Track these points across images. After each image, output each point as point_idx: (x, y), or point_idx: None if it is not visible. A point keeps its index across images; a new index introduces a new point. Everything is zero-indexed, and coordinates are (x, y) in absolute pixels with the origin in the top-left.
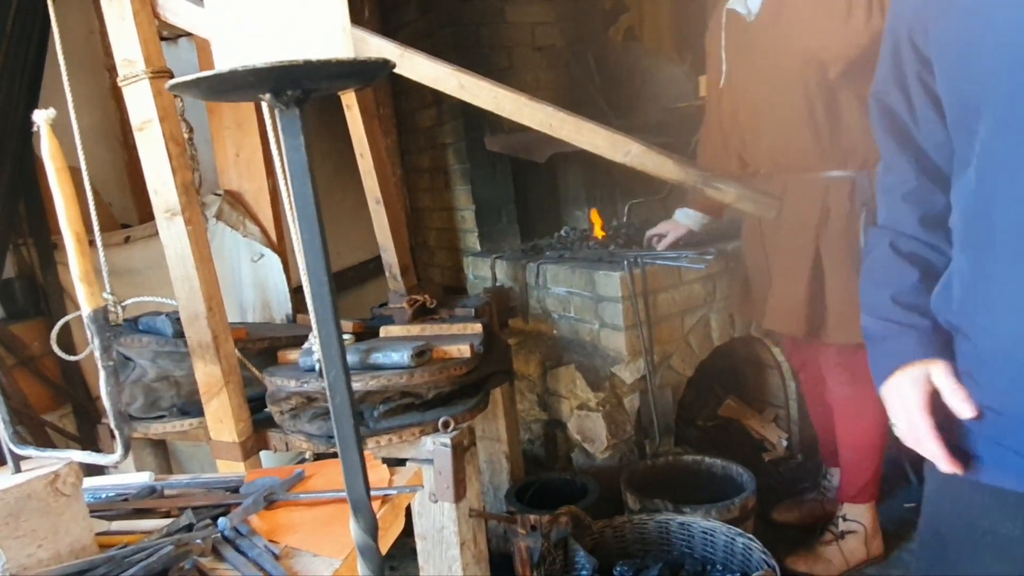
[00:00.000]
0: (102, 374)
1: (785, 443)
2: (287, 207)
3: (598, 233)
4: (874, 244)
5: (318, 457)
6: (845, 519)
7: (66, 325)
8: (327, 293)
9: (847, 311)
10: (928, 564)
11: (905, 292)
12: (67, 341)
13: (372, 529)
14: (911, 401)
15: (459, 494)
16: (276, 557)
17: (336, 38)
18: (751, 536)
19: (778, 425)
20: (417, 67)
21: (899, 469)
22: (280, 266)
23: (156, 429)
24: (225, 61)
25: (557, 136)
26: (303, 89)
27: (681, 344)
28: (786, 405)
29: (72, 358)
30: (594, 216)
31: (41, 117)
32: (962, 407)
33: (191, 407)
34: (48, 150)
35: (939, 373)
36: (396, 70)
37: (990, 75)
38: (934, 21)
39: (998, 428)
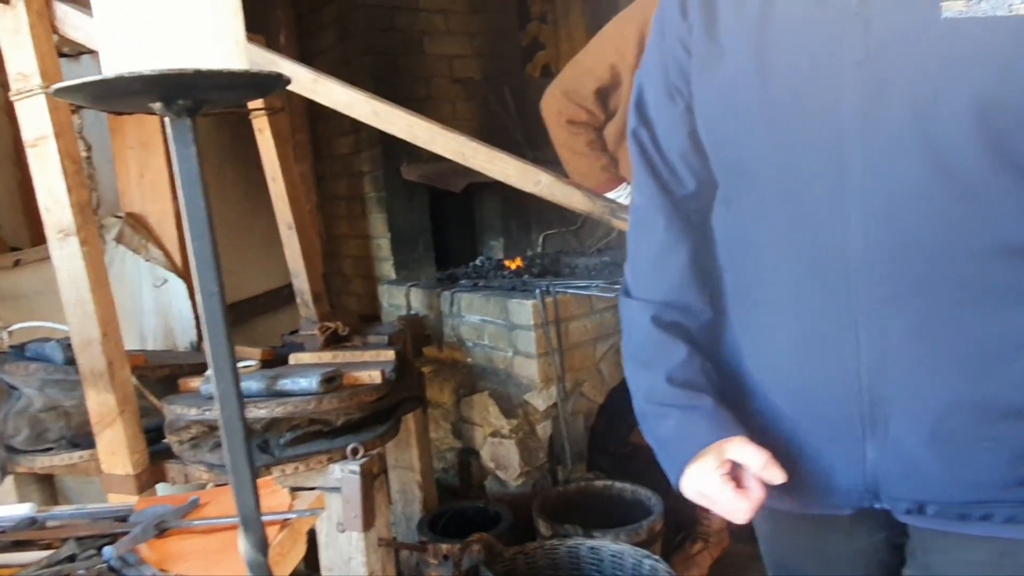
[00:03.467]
0: None
1: None
2: None
3: (512, 265)
4: (633, 320)
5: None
6: (703, 524)
7: None
8: (217, 304)
9: None
10: None
11: (678, 370)
12: None
13: (261, 545)
14: (714, 487)
15: (368, 523)
16: None
17: (230, 49)
18: (658, 558)
19: None
20: (331, 93)
21: None
22: (185, 291)
23: (42, 462)
24: (112, 67)
25: (470, 165)
26: (194, 99)
27: (593, 371)
28: None
29: None
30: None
31: None
32: (773, 474)
33: (81, 439)
34: None
35: (738, 449)
36: (310, 95)
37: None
38: (696, 77)
39: (782, 463)
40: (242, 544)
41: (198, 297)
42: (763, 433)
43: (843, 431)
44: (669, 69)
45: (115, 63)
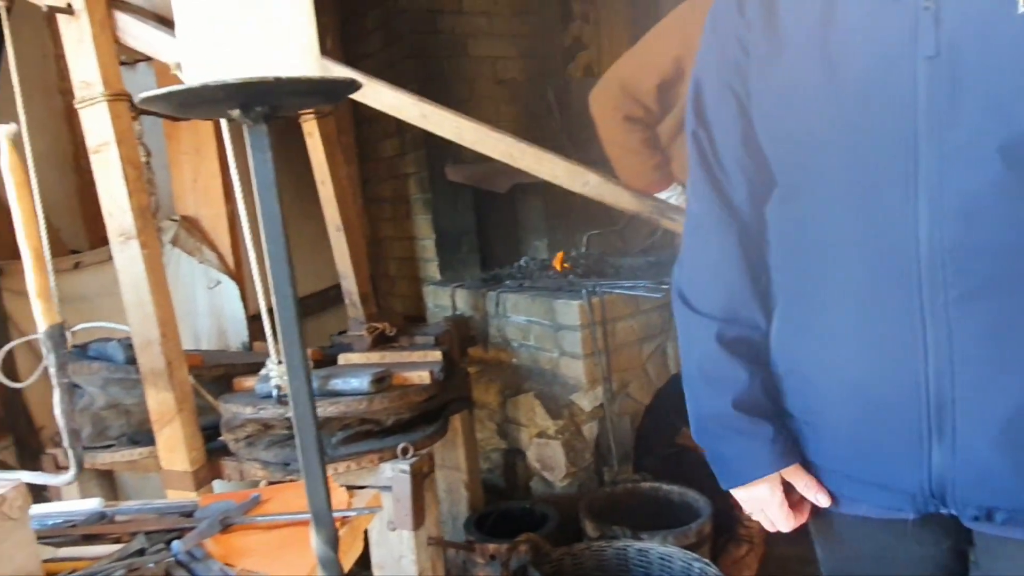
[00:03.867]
0: (57, 392)
1: None
2: (246, 233)
3: (558, 265)
4: (694, 335)
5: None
6: (745, 526)
7: (9, 353)
8: (291, 306)
9: None
10: None
11: (744, 395)
12: (10, 369)
13: (333, 541)
14: (771, 505)
15: (418, 521)
16: None
17: (304, 57)
18: (707, 561)
19: None
20: (380, 96)
21: None
22: (237, 293)
23: (104, 459)
24: (195, 77)
25: (518, 166)
26: (271, 105)
27: (639, 372)
28: None
29: (18, 385)
30: (558, 257)
31: (2, 133)
32: (820, 499)
33: (141, 436)
34: (8, 165)
35: (794, 477)
36: (360, 99)
37: (804, 149)
38: (754, 79)
39: (844, 463)
40: (314, 540)
41: (273, 299)
42: (822, 432)
43: (907, 433)
44: (725, 68)
45: (198, 72)
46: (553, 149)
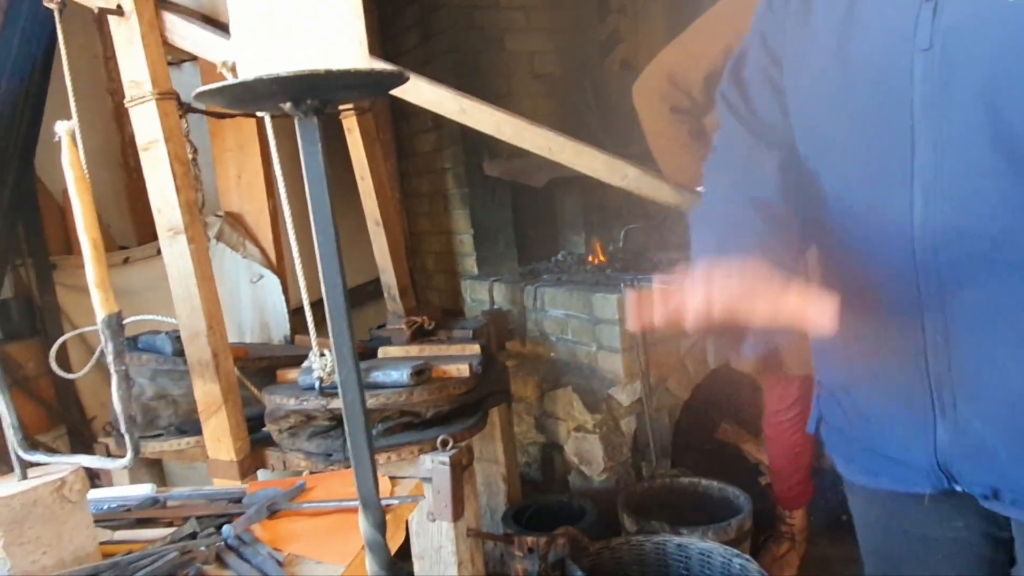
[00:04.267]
0: (114, 379)
1: None
2: (288, 227)
3: (600, 258)
4: (725, 199)
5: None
6: (787, 523)
7: (62, 346)
8: (341, 296)
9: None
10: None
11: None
12: (63, 362)
13: (381, 525)
14: (761, 290)
15: (457, 512)
16: (280, 564)
17: (354, 50)
18: (748, 557)
19: None
20: (420, 92)
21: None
22: (279, 287)
23: (152, 448)
24: (249, 71)
25: (557, 160)
26: (321, 99)
27: (677, 367)
28: None
29: (71, 376)
30: (595, 245)
31: (63, 128)
32: (824, 315)
33: (188, 426)
34: (68, 159)
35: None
36: (400, 94)
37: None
38: (788, 63)
39: (866, 437)
40: (362, 524)
41: (323, 289)
42: (847, 405)
43: (915, 410)
44: (765, 59)
45: (251, 67)
46: (590, 143)
